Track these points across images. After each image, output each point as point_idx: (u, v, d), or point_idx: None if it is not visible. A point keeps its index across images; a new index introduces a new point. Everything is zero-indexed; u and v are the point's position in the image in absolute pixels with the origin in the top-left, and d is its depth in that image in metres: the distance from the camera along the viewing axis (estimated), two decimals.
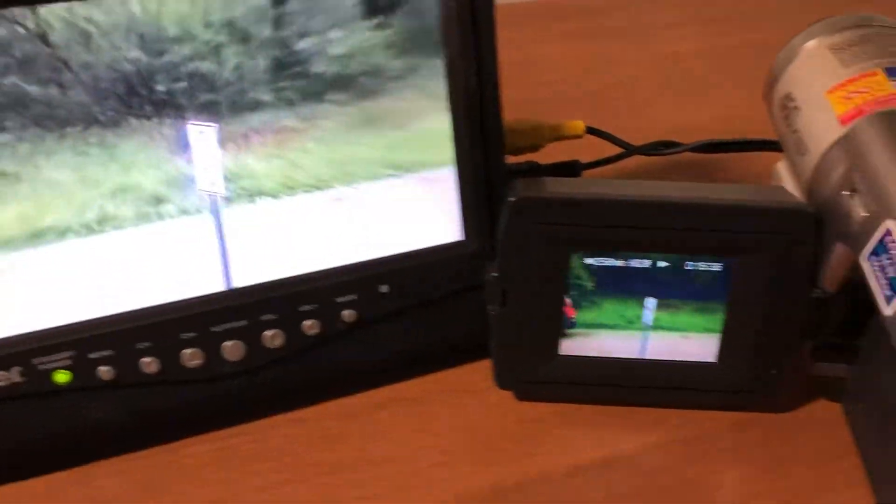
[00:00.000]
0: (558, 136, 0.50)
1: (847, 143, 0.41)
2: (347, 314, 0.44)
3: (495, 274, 0.43)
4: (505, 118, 0.49)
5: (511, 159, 0.50)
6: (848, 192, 0.40)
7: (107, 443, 0.43)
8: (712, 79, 0.79)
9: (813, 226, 0.41)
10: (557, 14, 0.91)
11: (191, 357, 0.42)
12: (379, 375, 0.47)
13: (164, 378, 0.41)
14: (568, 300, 0.44)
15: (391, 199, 0.44)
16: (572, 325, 0.44)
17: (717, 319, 0.44)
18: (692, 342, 0.45)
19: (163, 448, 0.43)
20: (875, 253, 0.37)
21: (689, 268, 0.43)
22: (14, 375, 0.39)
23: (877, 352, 0.42)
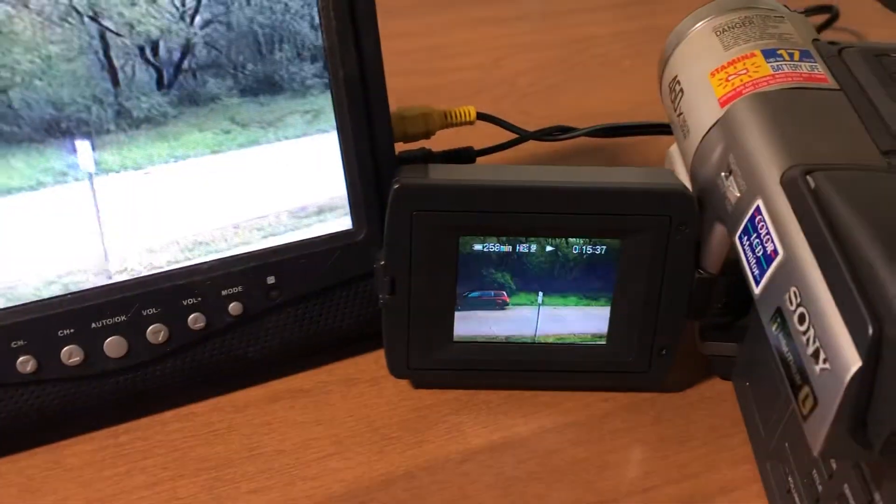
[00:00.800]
0: (449, 122, 0.50)
1: (724, 125, 0.42)
2: (234, 307, 0.43)
3: (382, 262, 0.43)
4: (398, 105, 0.49)
5: (404, 147, 0.50)
6: (725, 174, 0.41)
7: None
8: (626, 63, 0.80)
9: (691, 207, 0.42)
10: (470, 0, 0.90)
11: (70, 354, 0.41)
12: (271, 368, 0.46)
13: (43, 376, 0.40)
14: (504, 292, 0.44)
15: (274, 187, 0.43)
16: (505, 305, 0.44)
17: (605, 301, 0.44)
18: (582, 324, 0.45)
19: (43, 449, 0.42)
20: (746, 232, 0.38)
21: (575, 251, 0.43)
22: None
23: (760, 330, 0.42)
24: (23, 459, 0.42)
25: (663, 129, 0.55)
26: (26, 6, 0.37)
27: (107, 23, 0.39)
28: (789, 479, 0.38)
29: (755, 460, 0.42)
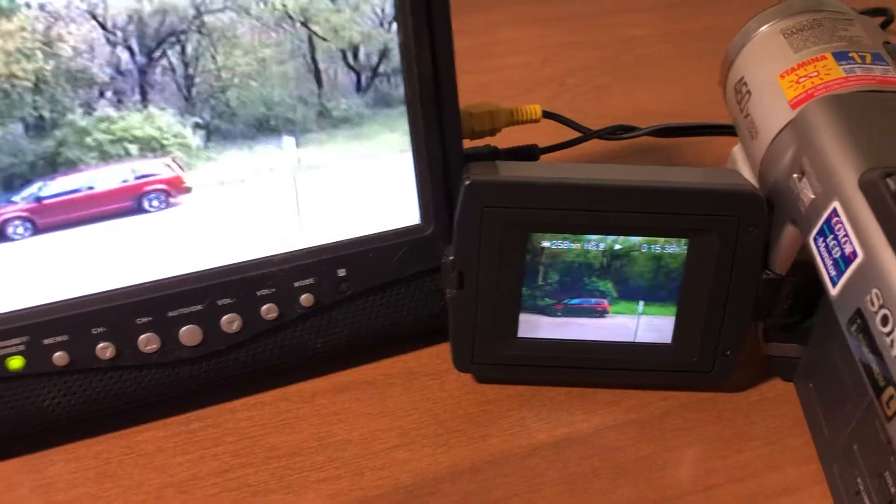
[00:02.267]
0: (515, 120, 0.50)
1: (796, 127, 0.42)
2: (305, 298, 0.44)
3: (451, 257, 0.43)
4: (462, 103, 0.49)
5: (470, 143, 0.50)
6: (797, 175, 0.41)
7: (61, 429, 0.42)
8: (672, 63, 0.80)
9: (761, 209, 0.42)
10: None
11: (147, 342, 0.41)
12: (338, 359, 0.47)
13: (120, 363, 0.41)
14: (604, 300, 0.45)
15: (348, 182, 0.44)
16: (605, 313, 0.45)
17: (671, 301, 0.44)
18: (647, 323, 0.45)
19: (118, 434, 0.43)
20: (821, 234, 0.38)
21: (643, 250, 0.43)
22: None
23: (827, 332, 0.42)
24: (98, 444, 0.43)
25: (726, 130, 0.55)
26: (248, 12, 0.40)
27: (315, 28, 0.41)
28: (858, 480, 0.39)
29: (820, 461, 0.43)
